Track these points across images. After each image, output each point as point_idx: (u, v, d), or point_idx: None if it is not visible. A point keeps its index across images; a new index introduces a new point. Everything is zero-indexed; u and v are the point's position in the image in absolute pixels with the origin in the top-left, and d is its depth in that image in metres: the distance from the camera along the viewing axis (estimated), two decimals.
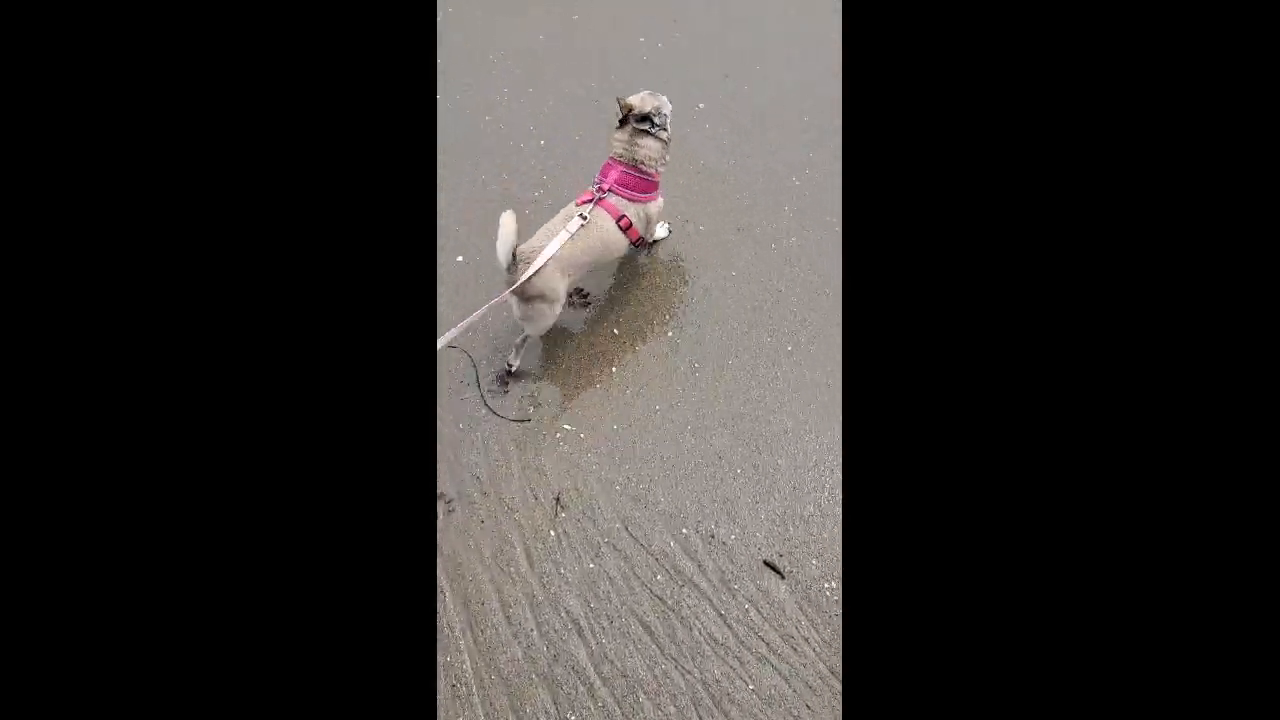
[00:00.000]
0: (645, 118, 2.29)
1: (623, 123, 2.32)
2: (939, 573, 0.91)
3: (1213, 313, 0.86)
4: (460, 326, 1.94)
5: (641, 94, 2.32)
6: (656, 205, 2.40)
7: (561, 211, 2.29)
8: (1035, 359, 0.90)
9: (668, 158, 2.38)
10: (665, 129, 2.33)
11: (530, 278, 2.11)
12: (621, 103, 2.30)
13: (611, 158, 2.34)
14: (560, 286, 2.20)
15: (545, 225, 2.23)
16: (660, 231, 2.67)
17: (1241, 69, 0.86)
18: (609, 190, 2.28)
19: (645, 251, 2.65)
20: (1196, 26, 0.88)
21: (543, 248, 2.14)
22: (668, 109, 2.34)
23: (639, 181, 2.31)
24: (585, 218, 2.22)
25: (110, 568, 0.85)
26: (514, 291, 2.13)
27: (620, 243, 2.33)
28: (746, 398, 2.35)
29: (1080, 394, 0.88)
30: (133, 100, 0.88)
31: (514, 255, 2.11)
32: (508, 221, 2.05)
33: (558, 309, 2.26)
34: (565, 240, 2.16)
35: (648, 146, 2.30)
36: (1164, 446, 0.86)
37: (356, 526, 0.91)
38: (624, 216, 2.29)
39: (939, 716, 0.88)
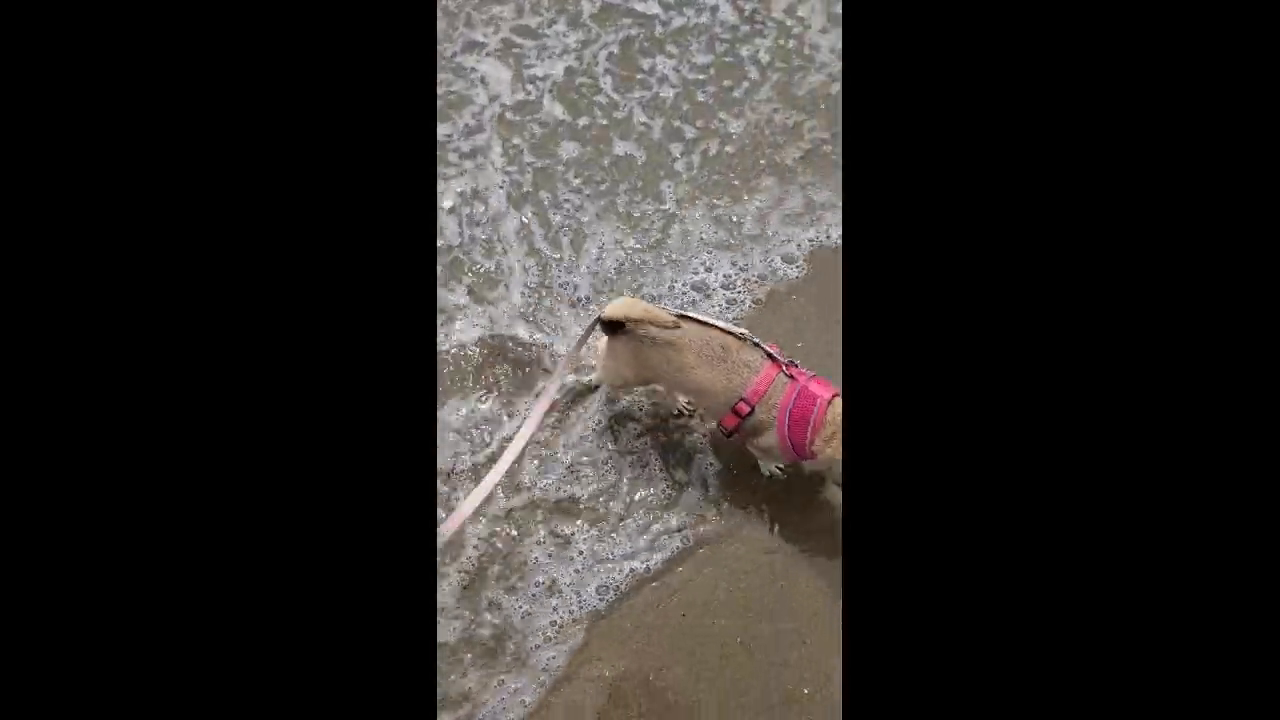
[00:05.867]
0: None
1: None
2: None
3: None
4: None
5: None
6: (773, 439, 1.69)
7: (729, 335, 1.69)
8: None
9: None
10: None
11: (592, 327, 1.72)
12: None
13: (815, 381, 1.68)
14: (618, 370, 1.75)
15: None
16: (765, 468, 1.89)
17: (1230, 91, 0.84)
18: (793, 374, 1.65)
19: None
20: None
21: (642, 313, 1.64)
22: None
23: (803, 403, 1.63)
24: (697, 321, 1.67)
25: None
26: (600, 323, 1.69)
27: (715, 396, 1.66)
28: None
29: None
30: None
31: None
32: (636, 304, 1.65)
33: (617, 391, 1.90)
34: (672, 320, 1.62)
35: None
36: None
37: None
38: (744, 401, 1.63)
39: None
